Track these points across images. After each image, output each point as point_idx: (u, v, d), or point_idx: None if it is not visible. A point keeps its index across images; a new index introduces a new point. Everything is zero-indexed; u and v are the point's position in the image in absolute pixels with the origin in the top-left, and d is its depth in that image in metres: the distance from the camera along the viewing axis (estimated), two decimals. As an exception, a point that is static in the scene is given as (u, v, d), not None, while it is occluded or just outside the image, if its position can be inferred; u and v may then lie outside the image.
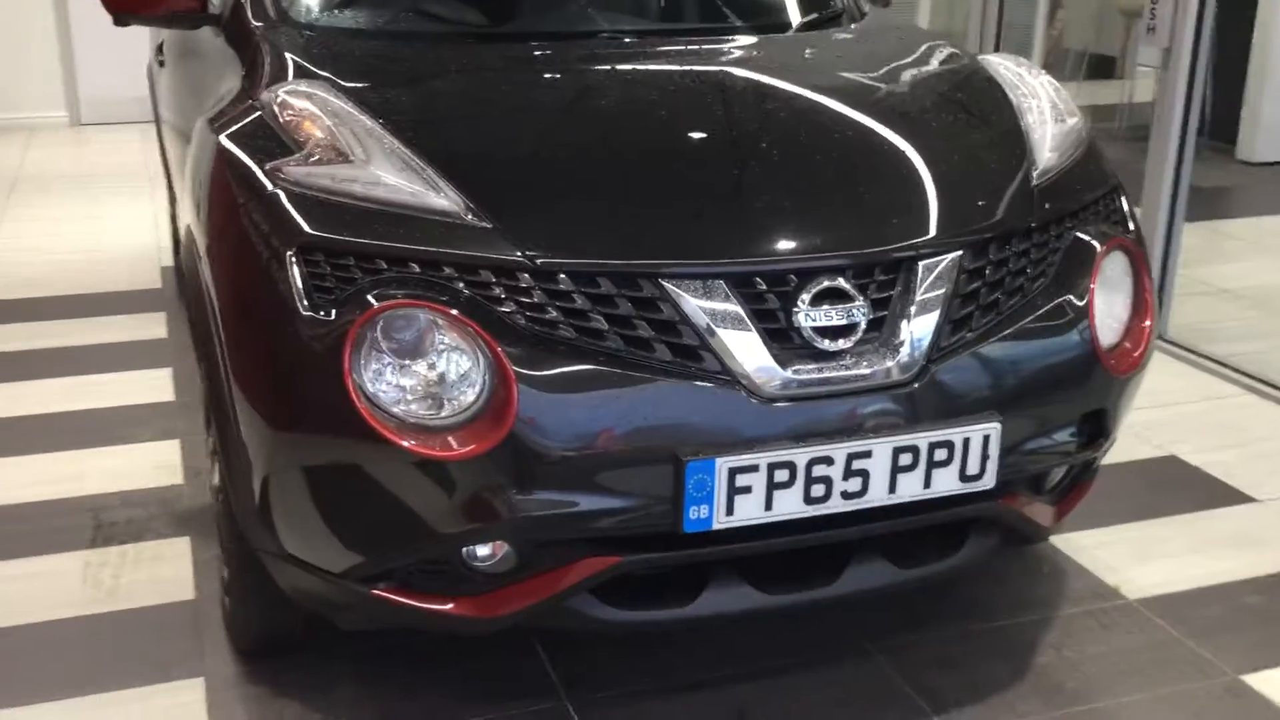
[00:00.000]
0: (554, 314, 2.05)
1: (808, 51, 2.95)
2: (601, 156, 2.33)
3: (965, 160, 2.44)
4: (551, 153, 2.33)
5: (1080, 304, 2.32)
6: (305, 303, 2.05)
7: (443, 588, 2.16)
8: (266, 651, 2.57)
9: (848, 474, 2.11)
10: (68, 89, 8.05)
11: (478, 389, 2.01)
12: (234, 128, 2.39)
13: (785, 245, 2.15)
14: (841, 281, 2.12)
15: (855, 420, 2.12)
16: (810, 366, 2.10)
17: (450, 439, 2.00)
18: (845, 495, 2.12)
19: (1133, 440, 3.70)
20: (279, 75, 2.53)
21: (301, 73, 2.52)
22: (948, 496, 2.21)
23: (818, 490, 2.10)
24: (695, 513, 2.04)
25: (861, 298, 2.14)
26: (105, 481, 3.37)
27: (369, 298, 2.02)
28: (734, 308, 2.07)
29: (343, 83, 2.45)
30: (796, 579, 2.27)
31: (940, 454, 2.16)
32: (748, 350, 2.07)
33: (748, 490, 2.06)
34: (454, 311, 2.00)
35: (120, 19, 3.05)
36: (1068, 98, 2.72)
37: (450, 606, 2.16)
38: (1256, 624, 2.79)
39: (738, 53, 2.84)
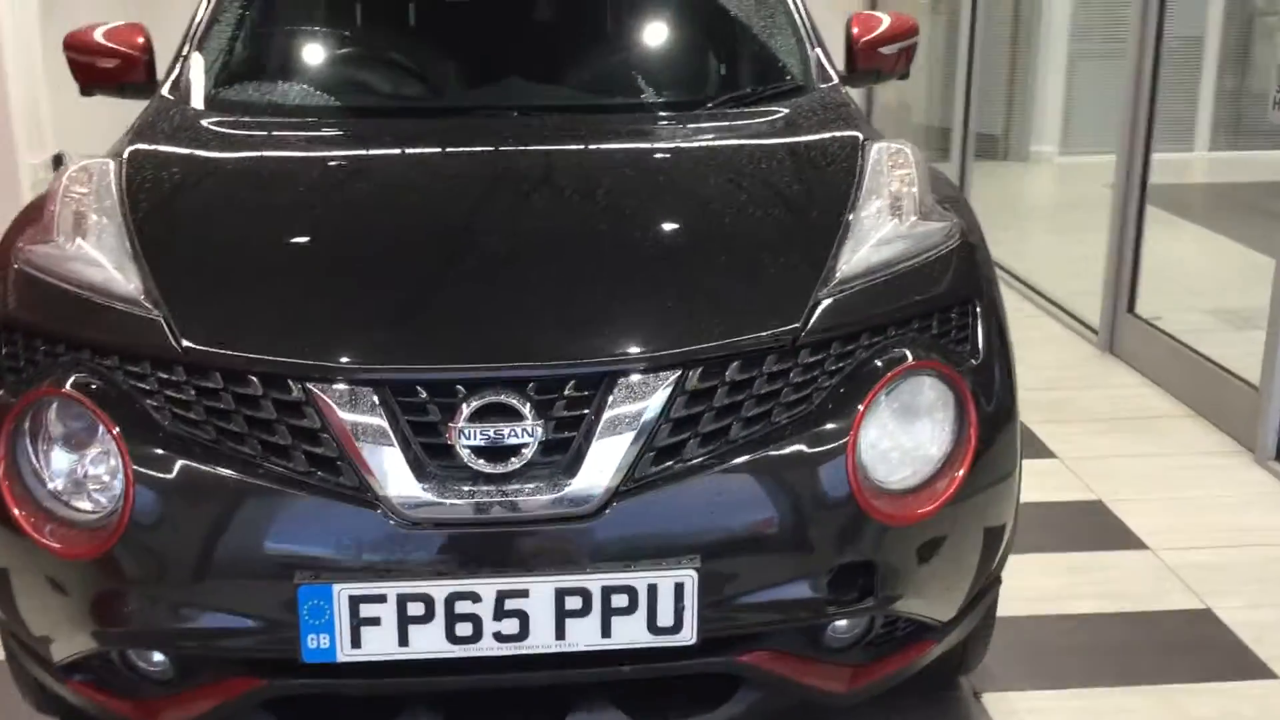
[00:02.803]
0: (200, 412, 1.94)
1: (667, 135, 2.70)
2: (307, 249, 2.20)
3: (731, 267, 2.13)
4: (261, 243, 2.22)
5: (840, 438, 1.96)
6: None
7: (122, 689, 2.08)
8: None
9: (500, 614, 1.87)
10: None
11: (106, 489, 1.93)
12: (37, 199, 2.43)
13: (448, 354, 1.94)
14: (505, 397, 1.89)
15: (511, 554, 1.88)
16: (465, 489, 1.88)
17: (78, 538, 1.93)
18: (500, 637, 1.88)
19: (1172, 585, 3.14)
20: (116, 150, 2.55)
21: (130, 146, 2.53)
22: (663, 648, 1.93)
23: (464, 629, 1.87)
24: (314, 641, 1.87)
25: (534, 417, 1.89)
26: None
27: (30, 384, 1.99)
28: (377, 419, 1.88)
29: (131, 160, 2.43)
30: (507, 721, 2.05)
31: (619, 600, 1.88)
32: (388, 467, 1.87)
33: (376, 622, 1.86)
34: (91, 404, 1.93)
35: (85, 90, 3.19)
36: (932, 198, 2.33)
37: (124, 708, 2.08)
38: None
39: (586, 134, 2.63)
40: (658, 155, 2.57)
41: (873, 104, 8.28)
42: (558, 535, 1.88)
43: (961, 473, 2.04)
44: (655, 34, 3.23)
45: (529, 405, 1.90)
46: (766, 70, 3.06)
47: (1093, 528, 3.44)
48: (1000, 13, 8.84)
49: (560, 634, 1.89)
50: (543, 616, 1.88)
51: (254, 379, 1.92)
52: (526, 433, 1.88)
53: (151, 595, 1.91)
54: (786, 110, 2.79)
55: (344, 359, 1.92)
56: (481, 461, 1.88)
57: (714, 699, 2.07)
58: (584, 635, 1.89)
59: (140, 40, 3.08)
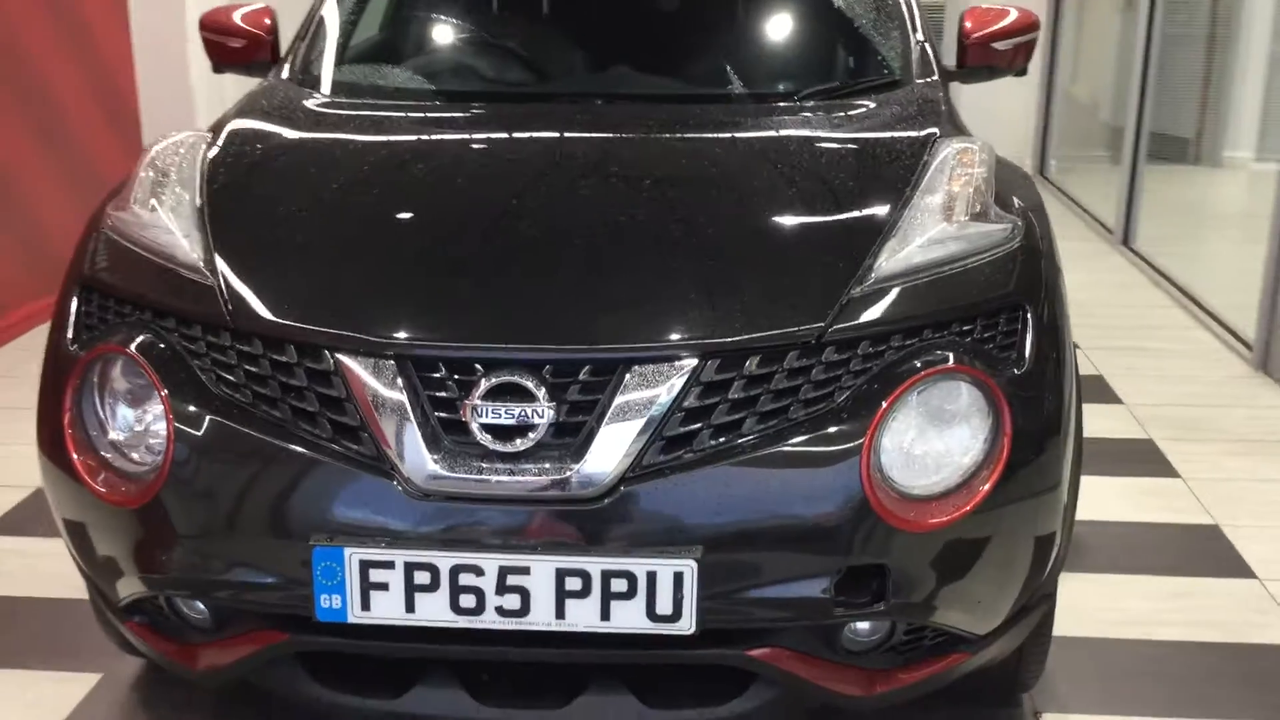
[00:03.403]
0: (240, 376, 2.03)
1: (737, 127, 2.67)
2: (354, 226, 2.26)
3: (766, 262, 2.11)
4: (313, 218, 2.29)
5: (856, 438, 1.93)
6: (70, 336, 2.20)
7: (172, 632, 2.21)
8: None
9: (502, 589, 1.91)
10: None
11: (155, 444, 2.04)
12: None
13: (468, 333, 1.98)
14: (520, 378, 1.92)
15: (516, 531, 1.91)
16: (475, 465, 1.92)
17: (126, 486, 2.05)
18: (502, 611, 1.92)
19: (1274, 618, 2.97)
20: (219, 124, 2.69)
21: (228, 121, 2.66)
22: (668, 636, 1.94)
23: (467, 600, 1.92)
24: (327, 601, 1.94)
25: (547, 398, 1.92)
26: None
27: (98, 341, 2.12)
28: (396, 392, 1.94)
29: (225, 134, 2.55)
30: (521, 696, 2.09)
31: (618, 585, 1.89)
32: (404, 438, 1.93)
33: (384, 587, 1.92)
34: (144, 362, 2.04)
35: (218, 68, 3.37)
36: (1015, 201, 2.26)
37: (169, 650, 2.20)
38: None
39: (655, 124, 2.63)
40: (718, 147, 2.56)
41: (1052, 100, 8.01)
42: (562, 516, 1.91)
43: (988, 486, 1.97)
44: (755, 27, 3.22)
45: (543, 387, 1.92)
46: (863, 64, 3.01)
47: (1201, 553, 3.28)
48: (1196, 12, 8.42)
49: (560, 613, 1.91)
50: (543, 595, 1.90)
51: (290, 346, 2.01)
52: (538, 414, 1.91)
53: (187, 545, 2.01)
54: (872, 105, 2.74)
55: (369, 331, 1.98)
56: (491, 439, 1.92)
57: (728, 692, 2.06)
58: (583, 616, 1.91)
59: (268, 22, 3.23)
